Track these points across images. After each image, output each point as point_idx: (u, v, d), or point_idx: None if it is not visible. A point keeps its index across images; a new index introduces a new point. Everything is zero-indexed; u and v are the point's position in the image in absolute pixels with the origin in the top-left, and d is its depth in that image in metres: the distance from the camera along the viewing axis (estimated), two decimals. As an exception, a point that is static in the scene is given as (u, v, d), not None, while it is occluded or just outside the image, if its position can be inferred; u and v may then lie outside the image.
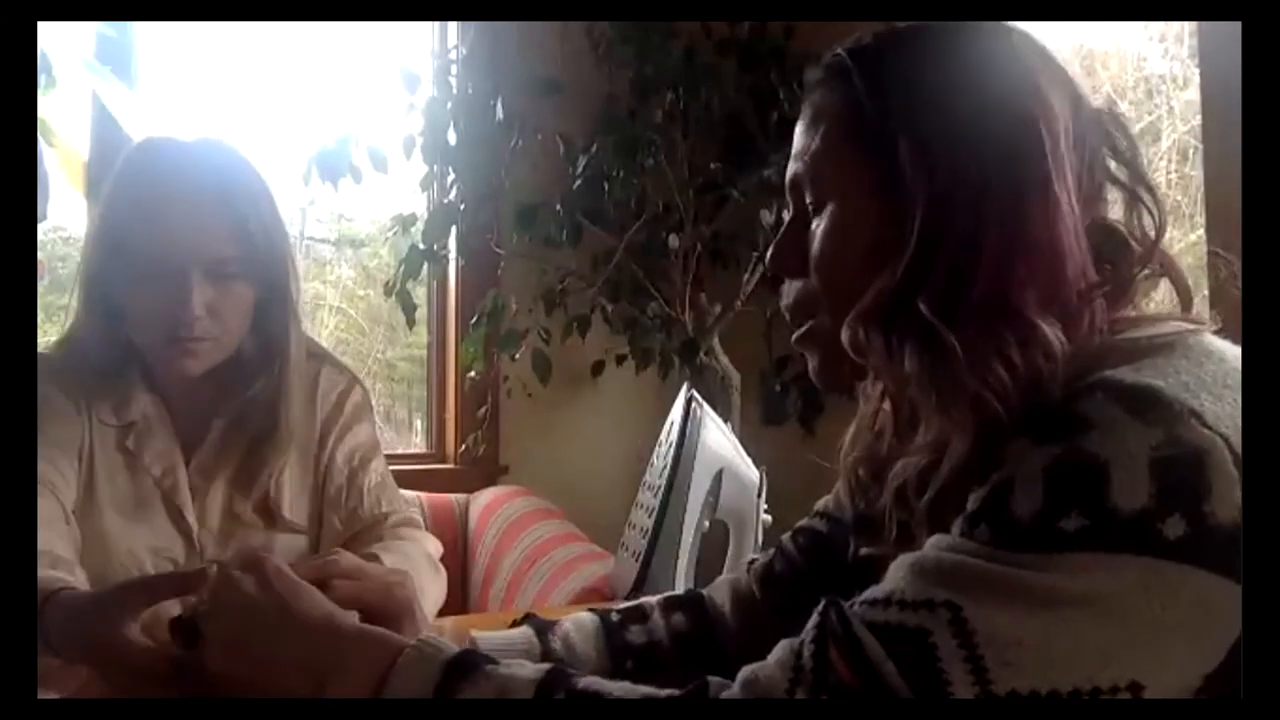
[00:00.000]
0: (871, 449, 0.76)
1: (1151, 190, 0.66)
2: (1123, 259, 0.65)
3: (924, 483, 0.64)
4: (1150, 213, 0.66)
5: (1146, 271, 0.66)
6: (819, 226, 0.69)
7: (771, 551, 0.91)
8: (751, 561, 0.93)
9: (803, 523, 0.90)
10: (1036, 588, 0.51)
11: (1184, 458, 0.52)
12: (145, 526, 1.13)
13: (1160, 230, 0.66)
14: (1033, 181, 0.62)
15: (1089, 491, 0.52)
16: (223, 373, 1.14)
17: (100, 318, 1.11)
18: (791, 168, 0.72)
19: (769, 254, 0.74)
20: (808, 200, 0.71)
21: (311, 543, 1.20)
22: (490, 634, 0.86)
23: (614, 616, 0.88)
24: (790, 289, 0.73)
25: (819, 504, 0.89)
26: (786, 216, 0.74)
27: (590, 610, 0.89)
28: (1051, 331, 0.59)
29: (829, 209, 0.69)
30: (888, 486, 0.69)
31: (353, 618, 0.70)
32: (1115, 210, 0.68)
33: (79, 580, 0.98)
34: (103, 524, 1.11)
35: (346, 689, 0.62)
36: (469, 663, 0.60)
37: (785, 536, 0.90)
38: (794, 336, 0.74)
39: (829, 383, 0.73)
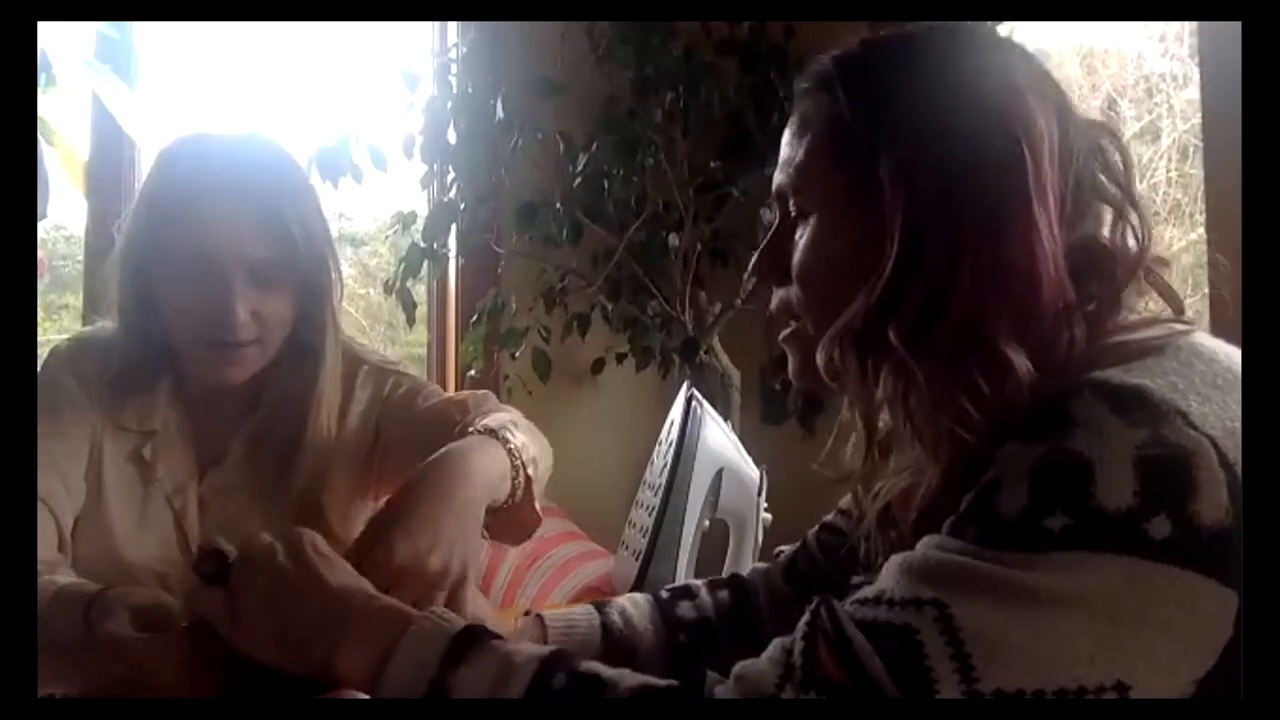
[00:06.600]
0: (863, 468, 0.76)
1: (1138, 209, 0.66)
2: (1106, 277, 0.64)
3: (906, 504, 0.65)
4: (1135, 231, 0.66)
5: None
6: (801, 236, 0.70)
7: (798, 545, 0.93)
8: (779, 553, 0.94)
9: (827, 519, 0.91)
10: (1022, 586, 0.51)
11: (1169, 458, 0.52)
12: (150, 541, 1.10)
13: (1144, 249, 0.65)
14: (1011, 207, 0.61)
15: (1074, 491, 0.52)
16: (256, 379, 1.10)
17: (137, 317, 1.07)
18: (777, 177, 0.73)
19: (752, 261, 0.75)
20: (791, 210, 0.71)
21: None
22: (554, 611, 0.90)
23: (664, 594, 0.91)
24: (776, 294, 0.74)
25: (842, 501, 0.89)
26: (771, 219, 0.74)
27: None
28: (1020, 360, 0.59)
29: (812, 220, 0.70)
30: (869, 509, 0.70)
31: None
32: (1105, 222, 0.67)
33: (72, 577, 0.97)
34: (107, 534, 1.08)
35: (355, 656, 0.63)
36: (474, 637, 0.62)
37: (811, 532, 0.92)
38: (779, 336, 0.75)
39: (807, 383, 0.74)
